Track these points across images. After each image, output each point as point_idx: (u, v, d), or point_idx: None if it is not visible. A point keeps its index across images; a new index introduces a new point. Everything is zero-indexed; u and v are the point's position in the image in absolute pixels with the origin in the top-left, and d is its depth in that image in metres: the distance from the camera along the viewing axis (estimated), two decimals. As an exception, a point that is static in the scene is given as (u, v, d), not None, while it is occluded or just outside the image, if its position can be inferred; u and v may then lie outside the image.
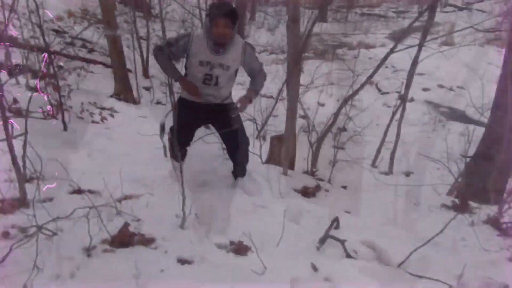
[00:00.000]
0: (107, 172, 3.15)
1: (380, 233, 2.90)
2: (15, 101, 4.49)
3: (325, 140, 4.80)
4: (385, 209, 3.59)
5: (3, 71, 5.60)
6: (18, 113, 4.38)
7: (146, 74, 8.40)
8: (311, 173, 4.21)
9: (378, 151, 5.51)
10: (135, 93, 6.60)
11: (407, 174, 5.47)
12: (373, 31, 15.56)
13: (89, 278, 2.01)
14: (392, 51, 4.67)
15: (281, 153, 4.10)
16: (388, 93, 8.76)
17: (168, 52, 2.93)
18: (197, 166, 3.72)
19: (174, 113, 2.67)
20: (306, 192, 3.48)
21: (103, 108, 5.57)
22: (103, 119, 4.61)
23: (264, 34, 14.60)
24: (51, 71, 4.80)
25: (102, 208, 2.49)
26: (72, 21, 9.32)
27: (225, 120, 3.08)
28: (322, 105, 7.26)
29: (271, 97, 6.90)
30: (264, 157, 4.37)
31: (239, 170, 3.41)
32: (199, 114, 3.14)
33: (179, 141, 2.67)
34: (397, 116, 5.09)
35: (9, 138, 2.48)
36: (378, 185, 4.45)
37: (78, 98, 5.32)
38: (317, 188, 3.60)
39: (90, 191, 2.85)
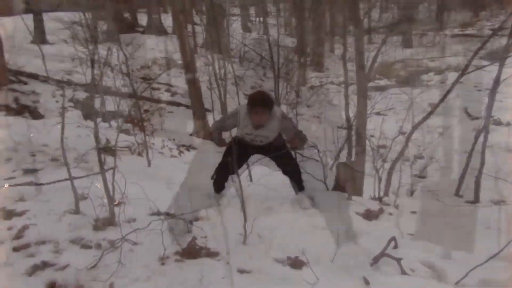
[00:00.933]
0: (186, 199, 3.74)
1: (442, 254, 3.03)
2: (108, 141, 5.39)
3: (399, 166, 4.96)
4: (454, 234, 3.66)
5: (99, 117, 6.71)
6: (110, 151, 5.25)
7: (224, 112, 9.21)
8: (379, 199, 4.39)
9: (461, 179, 5.49)
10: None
11: (497, 202, 5.34)
12: (466, 53, 15.14)
13: (162, 282, 2.51)
14: (464, 71, 4.78)
15: (348, 179, 4.37)
16: (478, 118, 8.53)
17: (220, 127, 3.91)
18: (263, 193, 4.16)
19: (228, 148, 3.77)
20: (368, 215, 3.70)
21: (182, 145, 6.33)
22: (180, 153, 5.30)
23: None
24: (138, 114, 5.68)
25: (175, 226, 3.03)
26: (158, 68, 10.60)
27: (273, 149, 3.82)
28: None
29: (342, 127, 7.19)
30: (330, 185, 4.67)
31: (295, 184, 4.13)
32: (249, 148, 3.87)
33: (227, 171, 3.73)
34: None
35: (102, 172, 3.16)
36: (458, 213, 4.47)
37: (161, 136, 6.14)
38: (380, 211, 3.79)
39: (167, 213, 3.41)
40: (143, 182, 4.28)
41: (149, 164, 5.12)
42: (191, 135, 6.98)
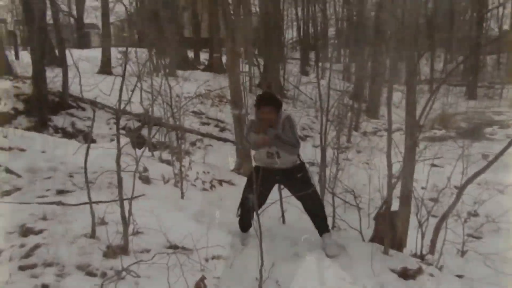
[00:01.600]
0: (202, 234, 3.55)
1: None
2: (145, 169, 5.37)
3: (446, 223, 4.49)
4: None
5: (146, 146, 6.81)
6: (146, 179, 5.23)
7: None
8: (421, 256, 3.95)
9: (523, 242, 4.88)
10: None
11: None
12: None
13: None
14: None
15: (387, 231, 4.00)
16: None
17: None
18: (294, 236, 3.88)
19: (248, 183, 3.68)
20: (405, 274, 3.30)
21: (222, 180, 6.21)
22: (212, 187, 5.17)
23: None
24: (181, 146, 5.67)
25: (189, 263, 2.84)
26: (210, 103, 10.76)
27: (295, 180, 3.68)
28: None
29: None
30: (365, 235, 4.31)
31: (318, 226, 3.75)
32: (270, 177, 3.67)
33: (250, 207, 3.53)
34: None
35: (120, 198, 3.07)
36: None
37: (199, 168, 6.06)
38: (419, 270, 3.37)
39: (184, 248, 3.23)
40: (170, 213, 4.21)
41: (182, 196, 5.01)
42: (232, 170, 6.85)
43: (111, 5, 22.25)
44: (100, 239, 3.09)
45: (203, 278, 2.67)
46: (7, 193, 4.17)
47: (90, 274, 2.64)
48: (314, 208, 3.77)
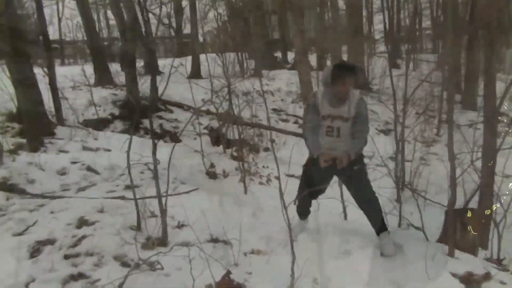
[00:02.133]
0: (260, 228, 3.42)
1: None
2: (212, 165, 5.41)
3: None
4: None
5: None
6: (212, 175, 5.25)
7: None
8: (497, 261, 3.35)
9: None
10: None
11: None
12: None
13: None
14: None
15: (457, 231, 3.49)
16: None
17: (313, 124, 3.27)
18: (349, 233, 3.57)
19: (305, 170, 3.45)
20: (468, 280, 2.80)
21: (291, 175, 6.02)
22: (268, 181, 5.00)
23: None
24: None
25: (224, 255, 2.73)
26: (290, 100, 10.58)
27: (350, 174, 3.23)
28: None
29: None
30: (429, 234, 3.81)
31: (374, 225, 3.33)
32: (327, 170, 3.21)
33: (308, 195, 3.26)
34: None
35: (158, 193, 3.08)
36: None
37: (269, 164, 5.94)
38: (487, 276, 2.84)
39: (225, 242, 3.12)
40: (227, 207, 4.15)
41: (245, 191, 4.94)
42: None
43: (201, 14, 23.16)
44: (145, 232, 3.12)
45: (228, 273, 2.53)
46: (83, 188, 4.46)
47: (125, 264, 2.65)
48: (370, 205, 3.35)
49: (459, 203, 5.26)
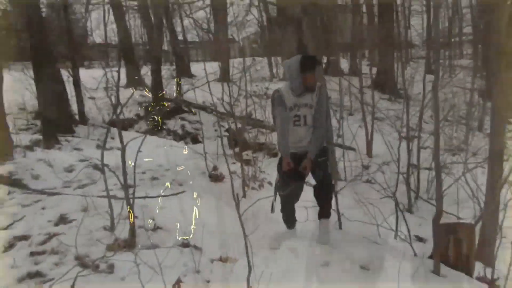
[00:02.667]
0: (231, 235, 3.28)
1: None
2: (215, 168, 5.30)
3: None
4: None
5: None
6: (215, 178, 5.14)
7: (369, 151, 8.27)
8: (489, 281, 3.00)
9: None
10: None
11: None
12: None
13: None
14: None
15: (449, 247, 3.19)
16: None
17: (283, 126, 3.28)
18: (336, 244, 3.35)
19: (278, 170, 3.41)
20: (445, 301, 2.52)
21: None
22: (260, 186, 4.82)
23: None
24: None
25: (186, 263, 2.60)
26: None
27: (316, 163, 3.28)
28: None
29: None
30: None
31: (321, 209, 3.44)
32: (300, 160, 3.27)
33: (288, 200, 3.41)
34: None
35: (127, 196, 2.99)
36: None
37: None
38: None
39: (196, 247, 3.00)
40: (216, 211, 4.03)
41: (244, 195, 4.79)
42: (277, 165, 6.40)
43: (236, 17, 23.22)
44: (118, 233, 3.05)
45: (179, 281, 2.40)
46: (83, 186, 4.48)
47: (83, 265, 2.58)
48: (322, 191, 3.40)
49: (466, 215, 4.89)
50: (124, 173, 3.30)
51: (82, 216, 3.31)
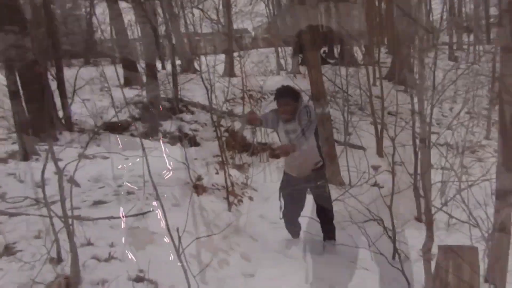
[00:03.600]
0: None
1: None
2: (199, 177, 5.02)
3: None
4: None
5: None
6: (201, 188, 4.86)
7: (379, 151, 7.86)
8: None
9: None
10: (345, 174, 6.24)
11: None
12: None
13: None
14: None
15: (449, 272, 2.84)
16: None
17: (263, 117, 3.76)
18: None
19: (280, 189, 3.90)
20: None
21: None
22: (239, 201, 4.50)
23: None
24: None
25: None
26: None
27: (315, 187, 3.65)
28: None
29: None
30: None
31: (325, 233, 3.85)
32: (297, 182, 3.68)
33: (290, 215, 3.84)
34: None
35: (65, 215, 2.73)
36: None
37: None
38: None
39: (151, 281, 2.73)
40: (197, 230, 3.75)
41: (229, 209, 4.51)
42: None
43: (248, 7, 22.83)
44: (64, 264, 2.80)
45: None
46: (51, 203, 4.26)
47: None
48: (324, 216, 3.81)
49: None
50: (61, 188, 2.99)
51: (30, 245, 3.09)
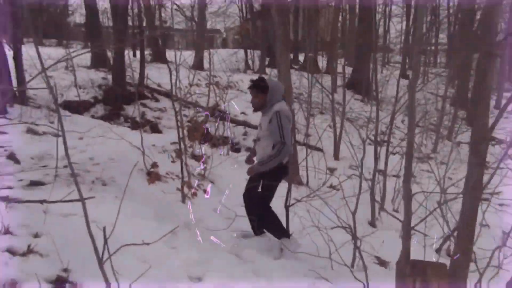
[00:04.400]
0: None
1: None
2: (155, 164, 4.35)
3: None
4: None
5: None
6: (154, 176, 4.20)
7: (336, 153, 7.47)
8: None
9: None
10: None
11: None
12: None
13: None
14: None
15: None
16: None
17: None
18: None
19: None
20: None
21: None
22: (193, 195, 3.90)
23: None
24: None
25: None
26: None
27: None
28: None
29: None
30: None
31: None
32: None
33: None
34: None
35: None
36: None
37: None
38: None
39: (72, 283, 2.07)
40: (142, 224, 3.10)
41: (183, 200, 3.87)
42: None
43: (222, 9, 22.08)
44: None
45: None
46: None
47: None
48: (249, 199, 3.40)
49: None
50: None
51: None
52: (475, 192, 2.79)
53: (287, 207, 3.35)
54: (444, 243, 4.51)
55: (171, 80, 3.97)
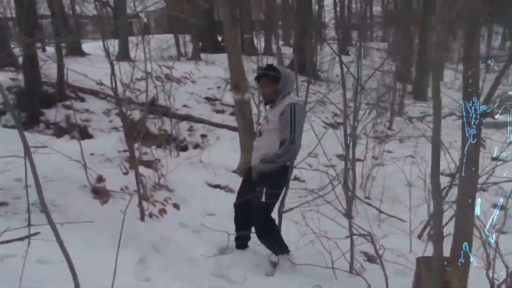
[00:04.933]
0: None
1: None
2: (100, 178, 3.88)
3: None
4: None
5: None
6: (102, 193, 3.73)
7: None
8: None
9: None
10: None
11: None
12: None
13: None
14: None
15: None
16: None
17: None
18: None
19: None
20: None
21: (216, 186, 4.69)
22: (161, 212, 3.55)
23: None
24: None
25: None
26: (228, 88, 9.17)
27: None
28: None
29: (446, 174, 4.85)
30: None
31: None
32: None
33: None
34: None
35: None
36: None
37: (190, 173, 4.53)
38: None
39: None
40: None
41: (142, 218, 3.47)
42: (234, 171, 5.25)
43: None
44: None
45: None
46: None
47: None
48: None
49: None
50: None
51: None
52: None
53: (280, 214, 3.12)
54: (425, 228, 4.57)
55: (111, 76, 3.49)
